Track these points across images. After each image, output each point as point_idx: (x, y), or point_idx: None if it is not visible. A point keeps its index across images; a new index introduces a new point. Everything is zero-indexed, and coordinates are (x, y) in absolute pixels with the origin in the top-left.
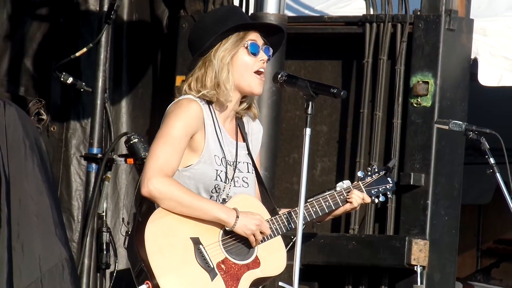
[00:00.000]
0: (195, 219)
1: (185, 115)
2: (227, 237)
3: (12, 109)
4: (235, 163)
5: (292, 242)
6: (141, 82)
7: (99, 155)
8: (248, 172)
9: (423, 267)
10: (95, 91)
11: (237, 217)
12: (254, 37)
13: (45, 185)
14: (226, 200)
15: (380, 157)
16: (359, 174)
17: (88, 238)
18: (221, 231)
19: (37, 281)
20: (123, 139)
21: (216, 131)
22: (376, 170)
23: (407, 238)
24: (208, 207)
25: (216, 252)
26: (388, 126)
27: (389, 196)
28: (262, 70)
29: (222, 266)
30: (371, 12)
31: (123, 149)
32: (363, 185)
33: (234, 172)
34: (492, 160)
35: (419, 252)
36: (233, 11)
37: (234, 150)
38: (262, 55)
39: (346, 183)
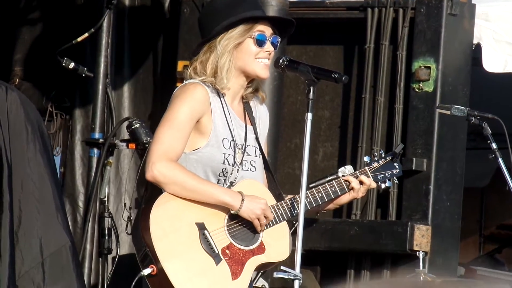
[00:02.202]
0: (200, 204)
1: (190, 98)
2: (232, 223)
3: (14, 94)
4: (244, 146)
5: (294, 227)
6: (142, 67)
7: (101, 140)
8: (256, 156)
9: (425, 252)
10: (97, 76)
11: (243, 200)
12: (263, 27)
13: (47, 170)
14: (234, 183)
15: (382, 142)
16: (366, 159)
17: (90, 223)
18: (226, 216)
19: (38, 266)
20: (125, 124)
21: (225, 114)
22: (383, 155)
23: (409, 223)
24: (213, 190)
25: (221, 237)
26: (390, 111)
27: (395, 181)
28: (266, 61)
29: (227, 251)
30: None
31: (125, 134)
32: (369, 171)
33: (243, 155)
34: (494, 145)
35: (421, 238)
36: None
37: (243, 133)
38: (269, 47)
39: (348, 168)
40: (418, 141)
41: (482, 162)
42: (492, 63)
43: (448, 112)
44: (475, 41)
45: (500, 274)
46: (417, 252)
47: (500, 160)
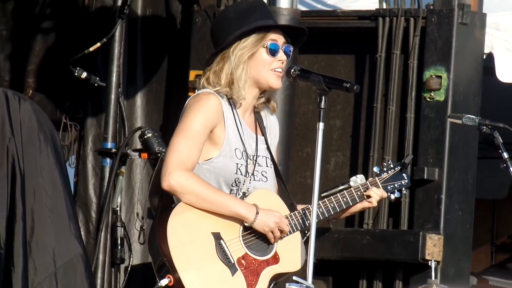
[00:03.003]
0: (216, 214)
1: (204, 108)
2: (247, 233)
3: (27, 103)
4: (255, 157)
5: (306, 237)
6: (155, 77)
7: (113, 150)
8: (267, 166)
9: (437, 262)
10: (109, 86)
11: (257, 213)
12: (275, 36)
13: (59, 179)
14: (246, 194)
15: (394, 151)
16: (375, 169)
17: (102, 233)
18: (241, 227)
19: (51, 276)
20: (137, 133)
21: (236, 124)
22: (392, 166)
23: (421, 233)
24: (229, 202)
25: (236, 247)
26: (402, 120)
27: (403, 192)
28: (280, 70)
29: (243, 261)
30: (384, 7)
31: (137, 144)
32: (379, 181)
33: (255, 166)
34: (505, 155)
35: (433, 247)
36: (256, 6)
37: (254, 144)
38: (281, 55)
39: (359, 177)
40: (430, 151)
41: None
42: (506, 72)
43: (460, 121)
44: (486, 51)
45: None
46: (429, 262)
47: (511, 169)
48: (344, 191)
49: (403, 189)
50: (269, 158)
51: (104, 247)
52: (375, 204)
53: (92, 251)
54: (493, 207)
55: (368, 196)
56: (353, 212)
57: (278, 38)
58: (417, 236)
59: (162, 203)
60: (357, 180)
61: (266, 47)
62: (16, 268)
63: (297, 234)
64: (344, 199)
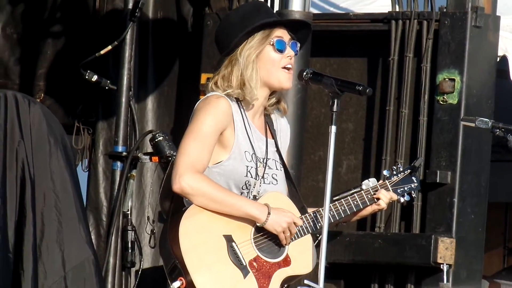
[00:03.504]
0: (227, 217)
1: (214, 111)
2: (259, 235)
3: (37, 107)
4: (265, 159)
5: (317, 240)
6: (166, 80)
7: (124, 153)
8: (277, 169)
9: (449, 265)
10: (120, 89)
11: (269, 213)
12: (280, 33)
13: (69, 183)
14: (257, 197)
15: (406, 154)
16: (385, 173)
17: (113, 237)
18: (253, 229)
19: (61, 280)
20: (148, 137)
21: (245, 127)
22: (402, 169)
23: (433, 236)
24: (240, 203)
25: (248, 249)
26: (414, 123)
27: (413, 195)
28: (289, 66)
29: (254, 264)
30: (397, 9)
31: (148, 147)
32: (389, 184)
33: (265, 169)
34: None
35: (445, 250)
36: (258, 7)
37: (264, 147)
38: (289, 51)
39: (372, 181)
40: (442, 154)
41: (508, 175)
42: None
43: (473, 125)
44: (500, 53)
45: None
46: (441, 265)
47: None
48: (355, 194)
49: (413, 192)
50: (279, 161)
51: (115, 250)
52: (384, 206)
53: (103, 255)
54: (505, 210)
55: (378, 199)
56: (364, 216)
57: (283, 35)
58: (429, 239)
59: (174, 206)
60: (369, 183)
61: (272, 44)
62: (25, 271)
63: (308, 237)
64: (355, 202)
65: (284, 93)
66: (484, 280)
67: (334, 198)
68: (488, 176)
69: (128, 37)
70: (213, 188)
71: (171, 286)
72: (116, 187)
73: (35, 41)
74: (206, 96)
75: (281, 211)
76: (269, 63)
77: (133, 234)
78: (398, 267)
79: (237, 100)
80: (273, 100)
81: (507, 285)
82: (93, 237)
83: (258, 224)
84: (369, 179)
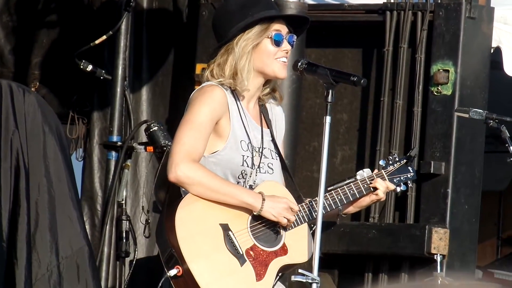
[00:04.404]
0: (224, 205)
1: (210, 100)
2: (255, 224)
3: (32, 96)
4: (261, 149)
5: (312, 230)
6: (161, 70)
7: (119, 143)
8: (273, 158)
9: (443, 255)
10: (115, 79)
11: (264, 200)
12: (279, 27)
13: (64, 172)
14: (253, 186)
15: (400, 145)
16: (381, 162)
17: (107, 227)
18: (250, 218)
19: (55, 269)
20: (143, 127)
21: (241, 116)
22: (397, 159)
23: (427, 226)
24: (236, 191)
25: (245, 238)
26: (409, 114)
27: (409, 185)
28: (284, 60)
29: (251, 252)
30: (392, 0)
31: (143, 137)
32: (385, 174)
33: (261, 158)
34: None
35: (439, 241)
36: None
37: (259, 136)
38: (286, 45)
39: (366, 171)
40: (436, 144)
41: (501, 165)
42: None
43: (467, 115)
44: (494, 45)
45: None
46: (435, 255)
47: None
48: (351, 184)
49: (409, 182)
50: (275, 150)
51: (109, 240)
52: (381, 196)
53: (97, 244)
54: (499, 201)
55: (375, 188)
56: (362, 207)
57: (281, 28)
58: (423, 230)
59: (169, 195)
60: (364, 174)
61: (271, 37)
62: (19, 261)
63: (305, 226)
64: (351, 191)
65: (279, 82)
66: (478, 270)
67: (329, 189)
68: (481, 167)
69: (123, 27)
70: (209, 177)
71: (168, 274)
72: (111, 177)
73: (30, 30)
74: (201, 85)
75: (275, 197)
76: (265, 55)
77: (127, 224)
78: (392, 257)
79: (232, 90)
80: (268, 89)
81: (501, 275)
82: (87, 226)
83: (254, 212)
84: (364, 170)
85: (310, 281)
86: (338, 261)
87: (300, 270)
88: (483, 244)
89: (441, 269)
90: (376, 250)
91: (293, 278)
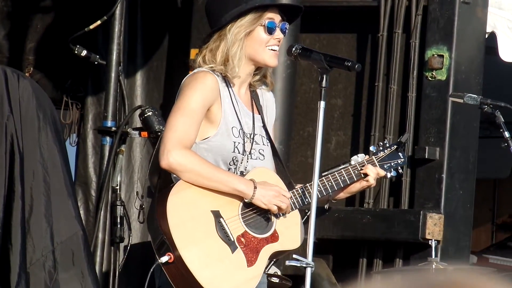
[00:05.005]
0: (215, 192)
1: (201, 86)
2: (247, 211)
3: (26, 81)
4: (252, 135)
5: (306, 216)
6: (155, 55)
7: (113, 129)
8: (264, 144)
9: (438, 241)
10: (109, 64)
11: (255, 187)
12: (272, 15)
13: (58, 157)
14: (244, 173)
15: (395, 130)
16: (372, 148)
17: (102, 212)
18: (241, 204)
19: (49, 254)
20: (138, 112)
21: (233, 102)
22: (388, 145)
23: (421, 212)
24: (228, 178)
25: (236, 225)
26: (403, 99)
27: (400, 171)
28: (276, 48)
29: (242, 239)
30: None
31: (138, 122)
32: (376, 160)
33: (252, 144)
34: (507, 134)
35: (433, 226)
36: None
37: (250, 122)
38: (278, 34)
39: (360, 156)
40: (431, 130)
41: (500, 153)
42: (508, 51)
43: (461, 101)
44: (488, 30)
45: None
46: (430, 241)
47: None
48: (342, 170)
49: (400, 167)
50: (266, 136)
51: (104, 225)
52: (372, 182)
53: (92, 230)
54: (494, 186)
55: (365, 175)
56: (353, 192)
57: (275, 16)
58: (417, 215)
59: (161, 182)
60: (358, 159)
61: (264, 25)
62: (14, 246)
63: (296, 213)
64: (342, 178)
65: (270, 69)
66: (472, 255)
67: (323, 174)
68: (476, 152)
69: (117, 12)
70: (200, 163)
71: (159, 261)
72: (105, 162)
73: (25, 15)
74: (193, 71)
75: (267, 184)
76: (257, 42)
77: (122, 209)
78: (387, 243)
79: (224, 76)
80: (259, 76)
81: (495, 260)
82: (82, 212)
83: (246, 200)
84: (358, 155)
85: (304, 265)
86: (333, 246)
87: (294, 255)
88: (478, 229)
89: (436, 255)
90: (371, 235)
91: (287, 263)
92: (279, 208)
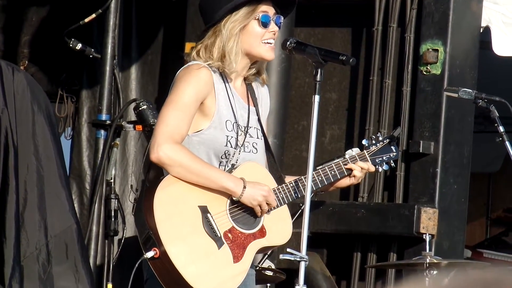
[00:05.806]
0: (203, 188)
1: (195, 79)
2: (234, 206)
3: (21, 75)
4: (246, 128)
5: (300, 210)
6: (150, 49)
7: (108, 122)
8: (258, 138)
9: (432, 235)
10: (104, 58)
11: (244, 187)
12: (266, 8)
13: (53, 151)
14: (235, 166)
15: (389, 124)
16: (364, 142)
17: (96, 205)
18: (229, 200)
19: (43, 247)
20: (132, 105)
21: (228, 95)
22: (380, 138)
23: (416, 206)
24: (217, 176)
25: (223, 221)
26: (398, 93)
27: (392, 165)
28: (271, 41)
29: (229, 235)
30: None
31: (132, 116)
32: (368, 154)
33: (245, 137)
34: (501, 128)
35: (428, 221)
36: None
37: (246, 115)
38: (273, 27)
39: (355, 150)
40: (426, 124)
41: (492, 147)
42: (502, 46)
43: (456, 95)
44: (483, 24)
45: (507, 256)
46: (424, 235)
47: (507, 143)
48: (333, 165)
49: (391, 161)
50: (260, 130)
51: (98, 219)
52: (359, 175)
53: (86, 223)
54: (488, 181)
55: (351, 170)
56: (340, 187)
57: (269, 10)
58: (412, 209)
59: (152, 176)
60: (353, 153)
61: (258, 19)
62: (8, 239)
63: (285, 208)
64: (332, 172)
65: (264, 63)
66: (466, 249)
67: (317, 168)
68: (470, 147)
69: (112, 5)
70: (190, 159)
71: (144, 256)
72: (100, 156)
73: (20, 8)
74: (187, 65)
75: (257, 184)
76: (252, 37)
77: (116, 202)
78: (381, 237)
79: (220, 71)
80: (253, 71)
81: (490, 254)
82: (76, 205)
83: (234, 198)
84: (353, 149)
85: (298, 259)
86: (327, 240)
87: (288, 249)
88: (472, 224)
89: (430, 249)
90: (365, 229)
91: (281, 256)
92: (268, 205)
